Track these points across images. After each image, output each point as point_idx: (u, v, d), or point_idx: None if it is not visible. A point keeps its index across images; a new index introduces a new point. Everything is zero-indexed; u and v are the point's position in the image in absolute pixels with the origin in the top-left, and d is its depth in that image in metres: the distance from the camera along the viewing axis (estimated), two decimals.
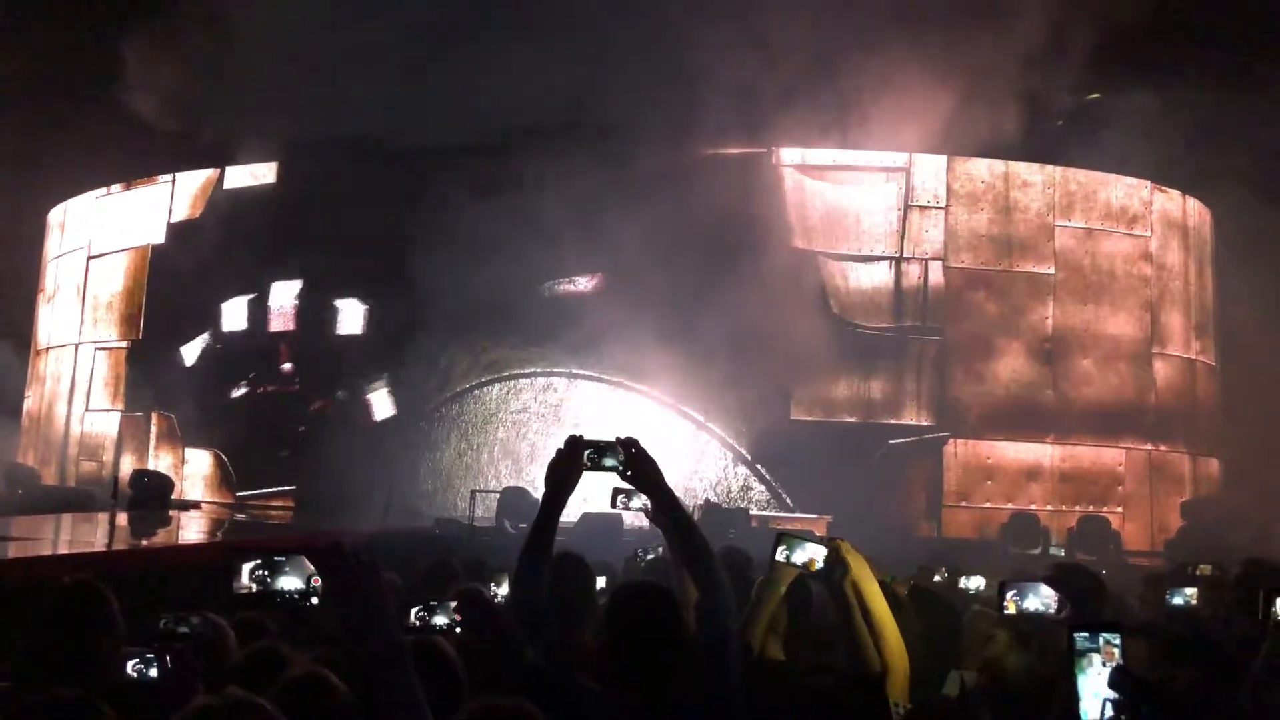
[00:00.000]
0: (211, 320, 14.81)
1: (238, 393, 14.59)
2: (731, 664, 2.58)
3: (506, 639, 2.45)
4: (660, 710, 2.40)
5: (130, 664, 2.44)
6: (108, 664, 2.51)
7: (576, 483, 2.85)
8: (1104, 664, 1.78)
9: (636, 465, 2.83)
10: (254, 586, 1.55)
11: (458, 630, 2.63)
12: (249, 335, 14.61)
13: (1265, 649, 2.95)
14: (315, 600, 1.56)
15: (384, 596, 1.60)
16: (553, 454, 2.87)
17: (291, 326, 14.44)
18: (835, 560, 2.91)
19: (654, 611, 2.48)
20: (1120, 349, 13.78)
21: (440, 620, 2.63)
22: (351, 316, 14.29)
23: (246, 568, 1.54)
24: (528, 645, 2.48)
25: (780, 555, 2.97)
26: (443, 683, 2.36)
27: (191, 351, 14.94)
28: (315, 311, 14.30)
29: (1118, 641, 1.79)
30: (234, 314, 14.76)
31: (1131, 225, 14.06)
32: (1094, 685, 1.77)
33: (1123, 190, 14.09)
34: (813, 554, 2.94)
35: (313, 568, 1.56)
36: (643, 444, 2.87)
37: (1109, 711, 1.77)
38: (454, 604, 2.67)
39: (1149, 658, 3.04)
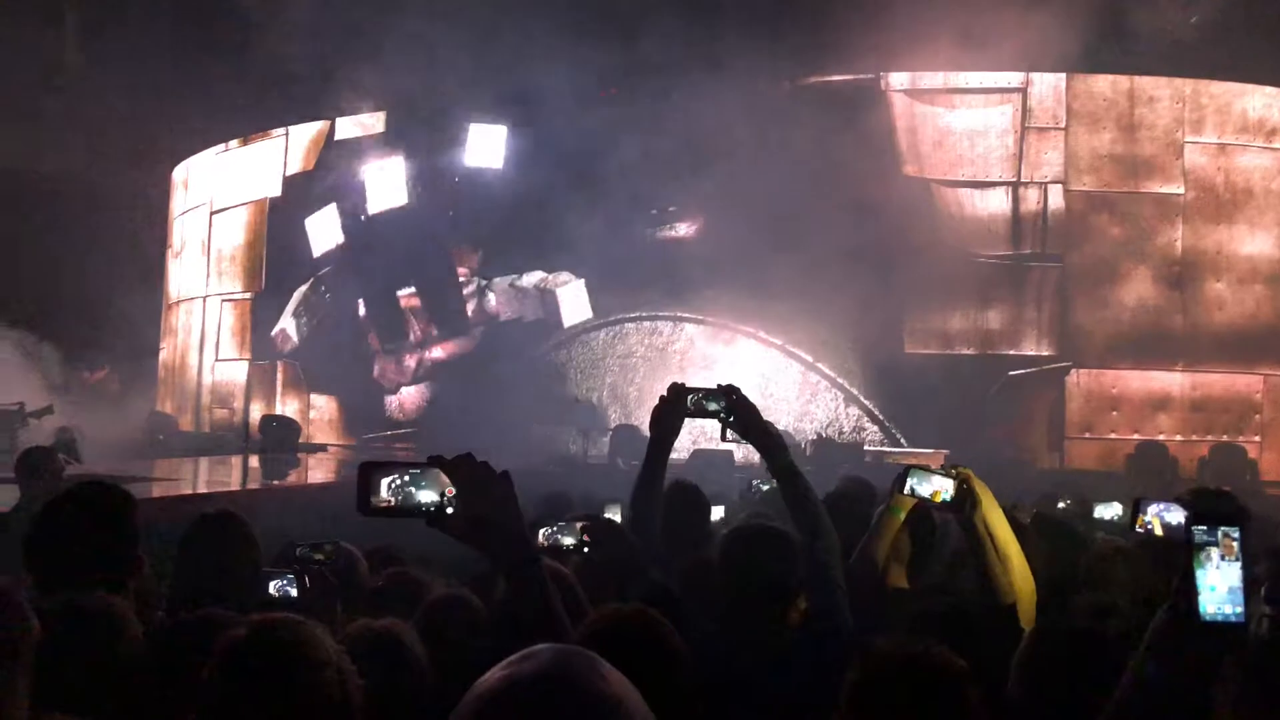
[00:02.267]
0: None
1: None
2: (837, 607, 2.57)
3: (634, 558, 2.49)
4: (773, 643, 2.41)
5: (272, 584, 2.59)
6: (251, 586, 2.67)
7: (679, 429, 2.95)
8: (1222, 558, 1.72)
9: (738, 412, 2.88)
10: (392, 500, 1.59)
11: (585, 550, 2.68)
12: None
13: None
14: (451, 510, 1.59)
15: (516, 505, 1.63)
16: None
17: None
18: (965, 493, 2.84)
19: (769, 555, 2.48)
20: (1257, 270, 13.00)
21: (568, 540, 2.68)
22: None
23: (385, 482, 1.58)
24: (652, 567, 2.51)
25: (907, 489, 2.92)
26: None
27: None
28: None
29: (1237, 535, 1.72)
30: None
31: (1270, 138, 13.18)
32: (1212, 579, 1.71)
33: (1261, 101, 13.18)
34: (939, 486, 2.88)
35: (446, 480, 1.59)
36: (744, 391, 2.91)
37: (1231, 607, 1.71)
38: (580, 525, 2.71)
39: None
